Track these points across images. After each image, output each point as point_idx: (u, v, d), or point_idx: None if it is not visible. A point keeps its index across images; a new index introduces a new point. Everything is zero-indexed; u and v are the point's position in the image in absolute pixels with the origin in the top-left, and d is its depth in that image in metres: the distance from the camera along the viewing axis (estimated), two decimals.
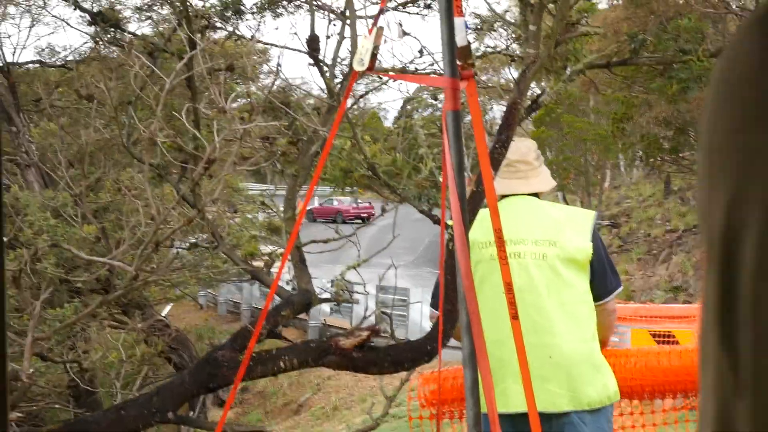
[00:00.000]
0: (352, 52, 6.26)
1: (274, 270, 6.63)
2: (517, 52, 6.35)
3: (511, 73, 5.85)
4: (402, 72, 6.00)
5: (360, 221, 46.42)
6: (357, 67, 3.21)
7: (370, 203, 50.52)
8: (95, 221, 6.67)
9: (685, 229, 37.20)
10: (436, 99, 7.63)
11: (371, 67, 3.30)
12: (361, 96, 6.46)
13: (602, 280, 5.11)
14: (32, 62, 20.86)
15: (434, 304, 5.49)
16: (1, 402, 1.51)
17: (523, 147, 5.37)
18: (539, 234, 5.05)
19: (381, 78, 6.91)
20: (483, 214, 5.05)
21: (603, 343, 5.28)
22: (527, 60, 5.37)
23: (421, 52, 6.37)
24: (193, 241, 7.21)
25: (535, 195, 5.32)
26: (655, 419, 6.66)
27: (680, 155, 34.40)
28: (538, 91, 6.53)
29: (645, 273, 33.57)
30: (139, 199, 6.18)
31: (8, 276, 5.38)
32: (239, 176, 20.55)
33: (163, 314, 19.27)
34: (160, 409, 5.54)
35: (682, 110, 28.94)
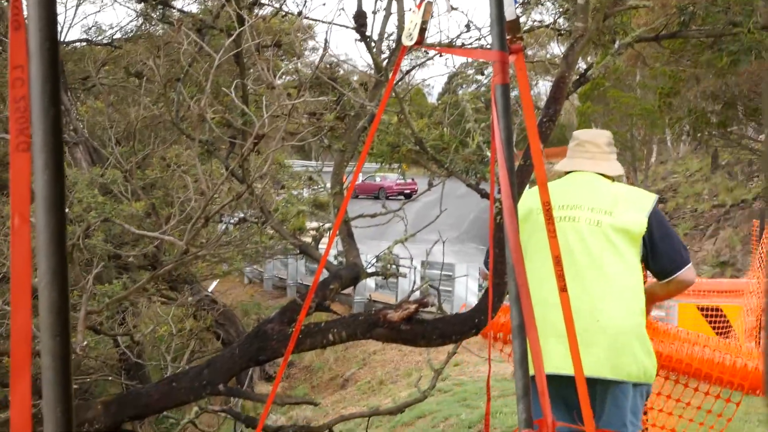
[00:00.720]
0: (400, 28, 6.27)
1: (321, 245, 6.68)
2: (565, 26, 6.32)
3: (559, 47, 5.83)
4: (450, 46, 6.01)
5: (403, 197, 46.25)
6: (406, 42, 3.22)
7: (413, 179, 50.35)
8: (145, 197, 6.73)
9: (733, 203, 36.85)
10: (482, 74, 7.61)
11: (420, 42, 3.32)
12: (408, 71, 6.45)
13: (668, 255, 5.15)
14: (79, 41, 21.06)
15: (486, 263, 5.61)
16: (65, 373, 1.56)
17: (596, 131, 5.53)
18: (596, 203, 5.13)
19: (427, 53, 6.91)
20: (537, 188, 5.15)
21: (653, 305, 5.39)
22: (575, 33, 5.36)
23: (468, 26, 6.36)
24: (241, 216, 7.25)
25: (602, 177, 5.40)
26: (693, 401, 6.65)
27: (728, 129, 34.07)
28: (584, 66, 6.54)
29: (692, 248, 33.33)
30: (187, 175, 6.24)
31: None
32: (285, 153, 20.66)
33: (209, 290, 19.44)
34: (210, 382, 5.61)
35: (730, 84, 28.67)
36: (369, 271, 6.18)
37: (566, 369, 4.75)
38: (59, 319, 1.57)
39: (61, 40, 19.60)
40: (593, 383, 5.00)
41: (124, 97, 18.27)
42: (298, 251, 6.44)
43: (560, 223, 5.12)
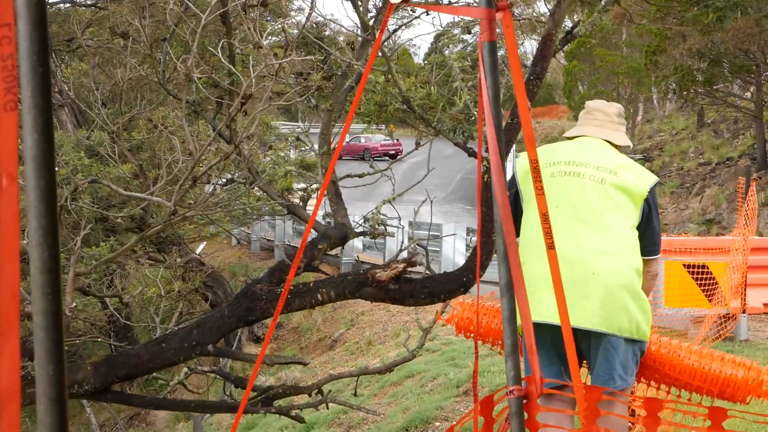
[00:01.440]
0: None
1: (309, 205, 6.68)
2: None
3: (546, 5, 5.81)
4: (436, 4, 5.99)
5: (388, 158, 46.08)
6: (393, 0, 3.21)
7: (397, 140, 50.73)
8: (132, 159, 6.70)
9: (719, 161, 36.93)
10: (469, 33, 7.58)
11: (406, 0, 3.31)
12: (395, 30, 6.43)
13: (649, 236, 5.23)
14: (63, 1, 20.90)
15: None
16: (57, 332, 1.56)
17: (607, 102, 5.58)
18: (601, 162, 5.20)
19: (414, 12, 6.88)
20: (545, 146, 5.24)
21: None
22: None
23: None
24: (229, 177, 7.24)
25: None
26: None
27: (714, 87, 34.09)
28: (570, 24, 6.50)
29: (678, 206, 33.45)
30: (174, 136, 6.22)
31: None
32: (271, 114, 20.58)
33: (197, 252, 19.43)
34: (199, 342, 5.63)
35: (716, 41, 28.64)
36: (357, 230, 6.18)
37: (557, 319, 4.80)
38: (50, 277, 1.58)
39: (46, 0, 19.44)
40: (587, 334, 5.05)
41: (109, 58, 18.17)
42: (286, 212, 6.44)
43: (566, 177, 5.17)
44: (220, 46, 5.36)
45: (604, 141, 5.42)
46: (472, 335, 5.83)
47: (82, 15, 20.34)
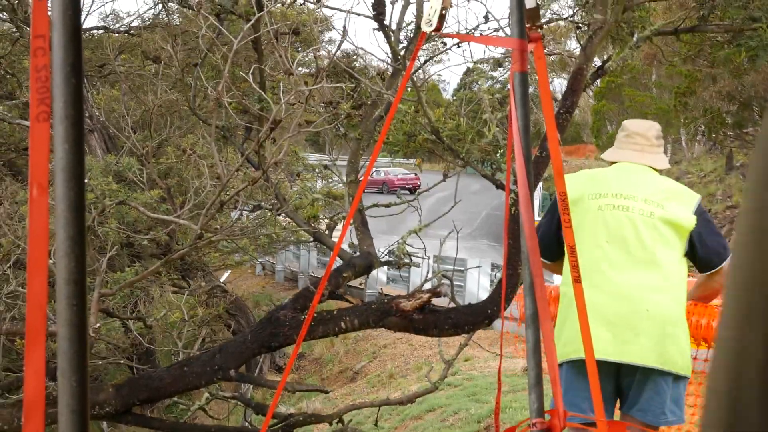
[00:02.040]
0: (418, 17, 6.26)
1: (335, 233, 6.67)
2: (583, 19, 6.30)
3: (577, 42, 5.82)
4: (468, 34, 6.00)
5: (406, 191, 46.29)
6: (425, 28, 3.20)
7: (416, 174, 50.07)
8: (161, 183, 6.72)
9: None
10: (500, 66, 7.59)
11: (439, 28, 3.30)
12: (426, 61, 6.45)
13: (714, 248, 5.22)
14: (96, 28, 21.05)
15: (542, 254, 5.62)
16: (82, 343, 1.55)
17: (646, 124, 5.57)
18: (649, 194, 5.19)
19: (445, 44, 6.90)
20: (588, 173, 5.20)
21: (702, 300, 5.50)
22: (594, 26, 5.35)
23: (486, 17, 6.35)
24: (256, 204, 7.25)
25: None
26: None
27: (744, 130, 33.96)
28: (599, 62, 6.51)
29: None
30: (202, 160, 6.24)
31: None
32: (299, 145, 20.63)
33: (221, 280, 19.43)
34: (222, 367, 5.62)
35: (746, 84, 28.57)
36: (382, 260, 6.18)
37: (613, 356, 4.80)
38: (76, 288, 1.57)
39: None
40: (633, 371, 5.03)
41: (140, 85, 18.28)
42: (312, 239, 6.44)
43: (615, 211, 5.16)
44: (251, 71, 5.39)
45: (646, 166, 5.42)
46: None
47: (114, 41, 20.50)
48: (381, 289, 26.33)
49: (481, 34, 6.45)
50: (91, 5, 20.60)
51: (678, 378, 5.10)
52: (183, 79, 6.14)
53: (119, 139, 12.08)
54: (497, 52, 6.67)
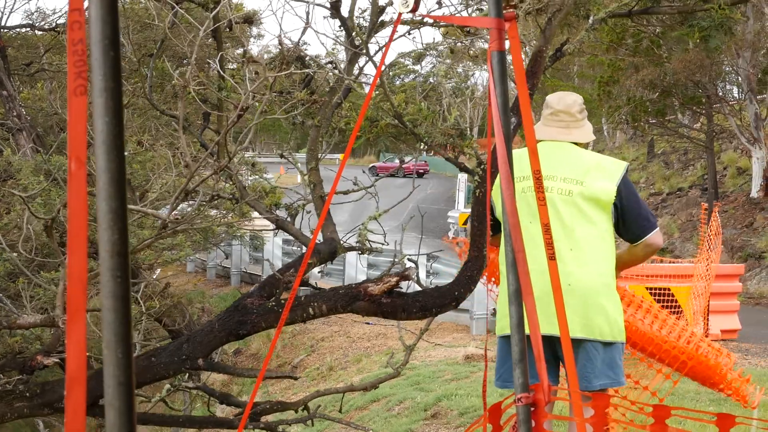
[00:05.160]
0: (374, 4, 6.29)
1: (296, 222, 6.69)
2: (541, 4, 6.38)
3: (536, 24, 5.88)
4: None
5: (417, 175, 53.65)
6: (402, 9, 3.25)
7: (425, 161, 61.66)
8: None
9: (670, 191, 37.40)
10: (452, 52, 7.64)
11: (415, 9, 3.34)
12: (387, 44, 6.46)
13: (636, 221, 5.41)
14: (21, 26, 20.76)
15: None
16: (126, 314, 1.57)
17: (568, 99, 5.66)
18: (567, 173, 5.34)
19: (398, 31, 6.92)
20: (518, 154, 5.27)
21: (626, 267, 5.67)
22: (553, 8, 5.43)
23: (439, 3, 6.38)
24: (215, 193, 7.24)
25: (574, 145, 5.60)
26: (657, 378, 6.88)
27: (665, 118, 34.53)
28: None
29: None
30: (167, 149, 6.21)
31: (41, 225, 5.43)
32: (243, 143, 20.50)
33: (154, 277, 19.24)
34: (190, 356, 5.60)
35: (668, 72, 29.05)
36: (346, 246, 6.20)
37: (542, 330, 4.91)
38: (120, 261, 1.59)
39: (3, 25, 19.30)
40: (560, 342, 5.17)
41: (65, 84, 18.03)
42: (275, 226, 6.44)
43: (532, 192, 5.26)
44: (217, 58, 5.37)
45: (569, 143, 5.55)
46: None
47: (40, 39, 20.23)
48: (315, 283, 26.30)
49: (443, 13, 6.47)
50: (14, 2, 20.26)
51: (608, 344, 5.29)
52: (139, 69, 6.10)
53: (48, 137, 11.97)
54: (449, 37, 6.71)
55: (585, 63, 40.84)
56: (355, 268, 22.67)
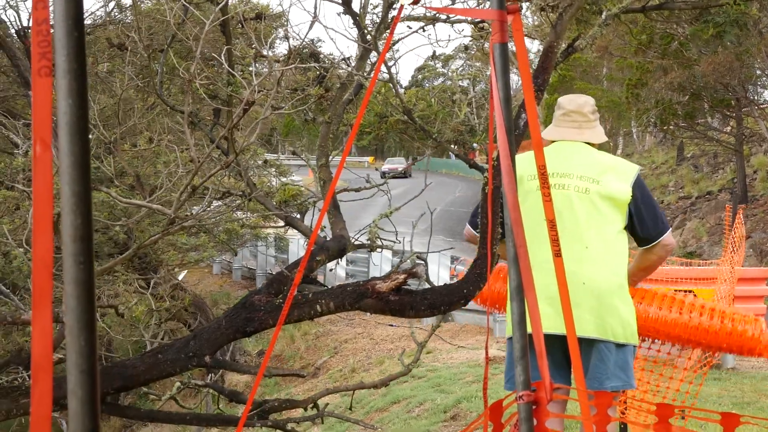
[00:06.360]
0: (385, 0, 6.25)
1: (307, 219, 6.64)
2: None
3: (547, 20, 5.82)
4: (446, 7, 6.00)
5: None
6: (403, 1, 3.19)
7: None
8: (131, 170, 6.66)
9: (699, 195, 37.17)
10: (466, 49, 7.58)
11: (417, 1, 3.30)
12: (395, 42, 6.44)
13: (651, 222, 5.41)
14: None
15: (472, 223, 5.75)
16: (90, 301, 1.52)
17: (580, 99, 5.68)
18: (584, 171, 5.34)
19: (410, 27, 6.88)
20: (528, 155, 5.29)
21: (643, 272, 5.62)
22: (564, 3, 5.36)
23: None
24: (225, 190, 7.22)
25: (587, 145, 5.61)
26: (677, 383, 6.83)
27: (695, 121, 34.32)
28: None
29: None
30: (173, 146, 6.19)
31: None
32: (254, 144, 20.54)
33: (179, 279, 19.33)
34: (197, 354, 5.56)
35: (697, 75, 28.86)
36: (356, 243, 6.16)
37: (553, 329, 4.88)
38: (83, 245, 1.54)
39: (30, 25, 19.38)
40: (578, 342, 5.13)
41: (92, 84, 18.09)
42: (284, 224, 6.40)
43: (552, 189, 5.23)
44: (223, 53, 5.35)
45: (583, 143, 5.55)
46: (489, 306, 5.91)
47: None
48: (327, 277, 26.30)
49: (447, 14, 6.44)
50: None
51: (620, 346, 5.26)
52: (150, 65, 6.08)
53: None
54: (463, 35, 6.66)
55: (614, 66, 40.72)
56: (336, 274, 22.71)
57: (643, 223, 5.45)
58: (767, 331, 5.83)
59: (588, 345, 5.24)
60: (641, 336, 5.98)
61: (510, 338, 5.46)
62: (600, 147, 5.72)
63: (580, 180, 5.35)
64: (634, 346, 5.46)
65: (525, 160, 5.29)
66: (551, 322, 4.91)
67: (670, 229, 5.62)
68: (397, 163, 68.18)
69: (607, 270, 5.29)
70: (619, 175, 5.44)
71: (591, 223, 5.30)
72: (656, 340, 6.03)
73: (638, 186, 5.44)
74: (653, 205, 5.55)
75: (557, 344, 5.10)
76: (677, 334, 5.81)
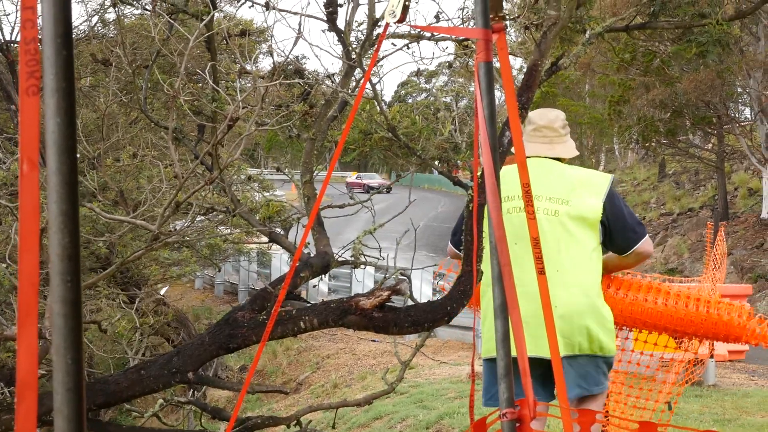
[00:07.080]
0: (370, 17, 6.26)
1: (291, 236, 6.64)
2: (534, 19, 6.34)
3: (531, 39, 5.85)
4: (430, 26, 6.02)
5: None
6: (389, 19, 3.20)
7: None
8: (113, 184, 6.64)
9: (680, 212, 37.31)
10: (450, 67, 7.61)
11: (402, 20, 3.30)
12: (380, 59, 6.46)
13: (622, 234, 5.43)
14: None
15: (454, 242, 5.76)
16: (77, 319, 1.52)
17: (551, 114, 5.69)
18: (553, 192, 5.35)
19: (395, 45, 6.89)
20: (505, 170, 5.23)
21: (617, 269, 5.66)
22: (548, 21, 5.39)
23: (437, 17, 6.36)
24: (208, 206, 7.22)
25: (558, 160, 5.61)
26: (659, 397, 6.86)
27: (676, 138, 34.46)
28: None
29: None
30: (152, 166, 6.18)
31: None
32: (238, 160, 20.56)
33: (161, 294, 19.29)
34: (180, 370, 5.55)
35: (678, 92, 28.99)
36: (339, 260, 6.15)
37: (530, 351, 4.89)
38: (70, 264, 1.54)
39: (12, 39, 19.32)
40: (542, 362, 5.16)
41: (76, 99, 18.02)
42: (268, 240, 6.39)
43: (520, 213, 5.26)
44: (208, 69, 5.35)
45: (553, 159, 5.57)
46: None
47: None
48: (322, 300, 26.27)
49: (432, 35, 6.46)
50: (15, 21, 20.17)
51: (583, 356, 5.33)
52: (134, 80, 6.08)
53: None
54: (448, 53, 6.68)
55: (597, 83, 40.90)
56: (363, 287, 22.66)
57: (614, 237, 5.48)
58: (754, 319, 5.85)
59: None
60: (628, 327, 6.01)
61: (487, 359, 5.51)
62: (583, 164, 5.74)
63: (549, 202, 5.36)
64: (603, 358, 5.44)
65: (504, 178, 5.30)
66: (528, 344, 4.93)
67: (647, 236, 5.60)
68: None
69: (578, 292, 5.32)
70: (591, 190, 5.45)
71: (561, 246, 5.31)
72: (642, 352, 6.05)
73: (610, 199, 5.46)
74: (623, 217, 5.52)
75: (532, 367, 5.11)
76: (663, 324, 5.82)
